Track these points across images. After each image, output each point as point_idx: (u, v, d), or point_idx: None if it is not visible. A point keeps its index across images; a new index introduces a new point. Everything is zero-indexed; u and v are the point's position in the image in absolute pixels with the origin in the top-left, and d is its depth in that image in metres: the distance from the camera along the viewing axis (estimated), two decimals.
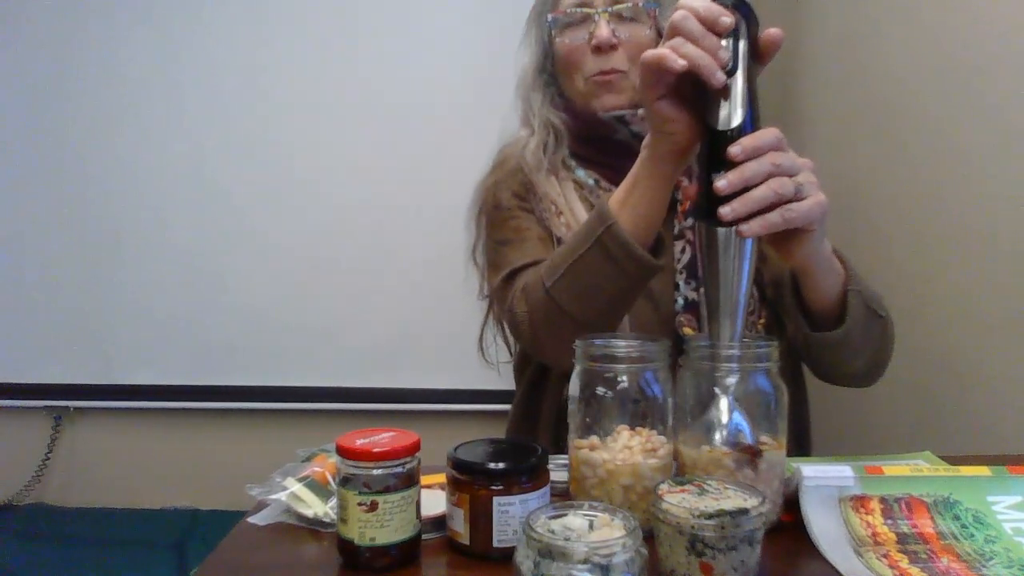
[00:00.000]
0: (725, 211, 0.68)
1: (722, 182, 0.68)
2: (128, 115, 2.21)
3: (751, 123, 0.70)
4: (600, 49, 0.97)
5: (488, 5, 2.10)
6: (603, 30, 0.96)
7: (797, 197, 0.70)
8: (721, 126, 0.70)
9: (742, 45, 0.70)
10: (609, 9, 0.96)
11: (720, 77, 0.68)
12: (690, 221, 1.00)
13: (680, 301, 0.98)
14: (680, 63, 0.67)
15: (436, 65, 2.16)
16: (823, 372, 0.97)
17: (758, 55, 0.71)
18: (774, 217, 0.69)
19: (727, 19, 0.68)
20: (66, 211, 2.23)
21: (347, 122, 2.19)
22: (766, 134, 0.69)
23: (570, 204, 1.01)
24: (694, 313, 0.98)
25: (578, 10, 0.97)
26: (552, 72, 1.06)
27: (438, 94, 2.14)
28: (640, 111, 0.99)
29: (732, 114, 0.70)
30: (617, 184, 0.99)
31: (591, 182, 1.04)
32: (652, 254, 0.82)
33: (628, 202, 0.82)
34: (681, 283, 0.99)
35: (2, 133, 2.23)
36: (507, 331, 1.11)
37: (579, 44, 0.98)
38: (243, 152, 2.20)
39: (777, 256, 0.82)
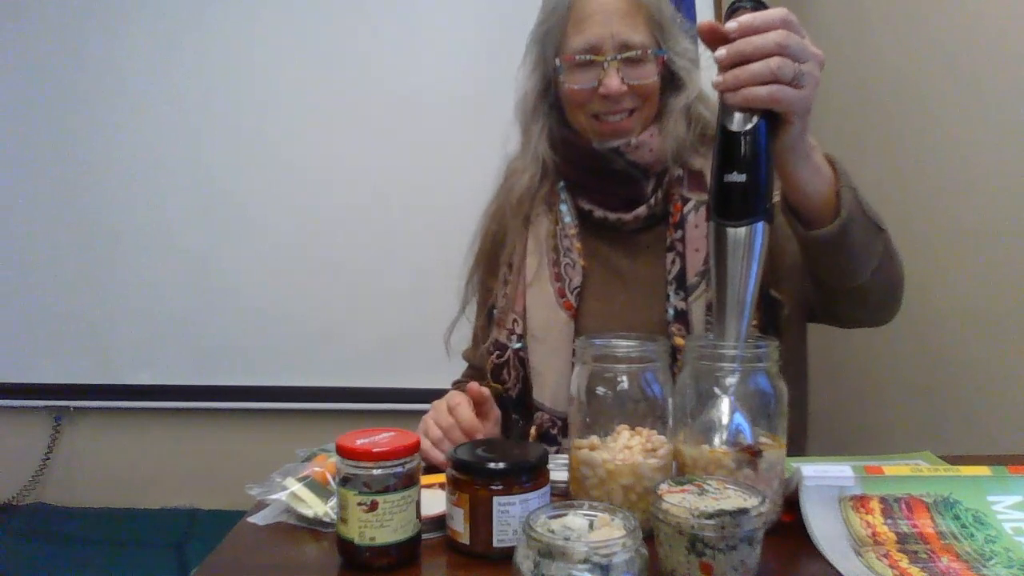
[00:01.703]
0: (716, 80, 0.68)
1: (721, 52, 0.68)
2: (128, 114, 2.20)
3: (765, 124, 0.70)
4: (608, 97, 0.98)
5: (490, 5, 2.10)
6: (613, 80, 0.96)
7: (795, 84, 0.69)
8: (736, 127, 0.70)
9: None
10: (619, 57, 0.97)
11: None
12: (680, 233, 1.01)
13: (670, 311, 0.99)
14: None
15: (438, 66, 2.16)
16: (829, 292, 0.91)
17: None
18: (760, 91, 0.68)
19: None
20: (66, 211, 2.22)
21: (348, 122, 2.18)
22: (771, 13, 0.69)
23: (523, 265, 1.07)
24: (683, 323, 0.98)
25: (587, 57, 0.97)
26: (553, 101, 1.07)
27: (440, 95, 2.14)
28: (635, 140, 1.00)
29: (747, 115, 0.70)
30: (612, 210, 1.05)
31: (568, 219, 1.07)
32: None
33: None
34: (671, 293, 0.99)
35: (2, 133, 2.23)
36: None
37: (587, 89, 0.99)
38: (243, 152, 2.20)
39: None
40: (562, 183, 1.08)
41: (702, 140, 1.04)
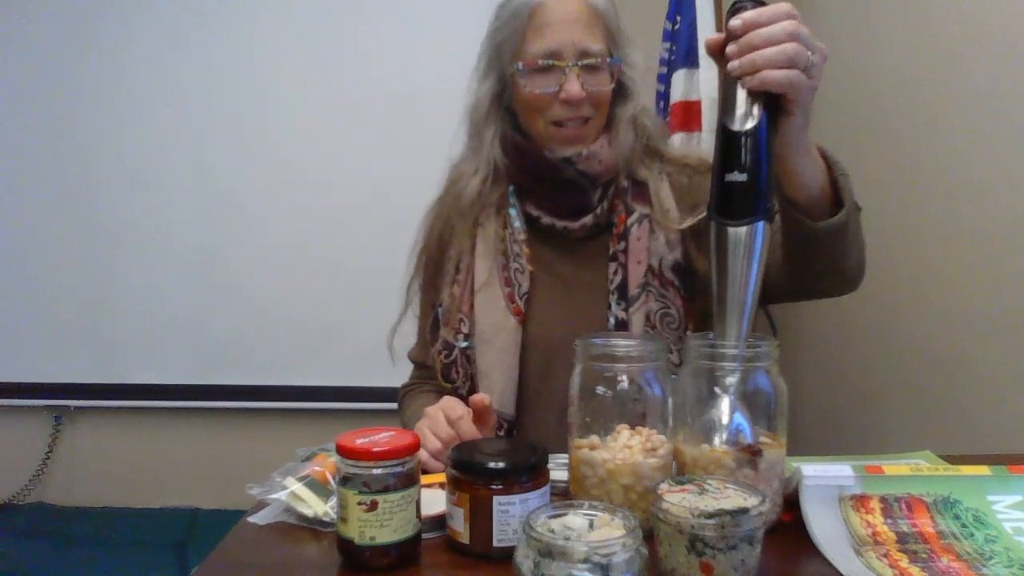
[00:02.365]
0: (733, 65, 0.69)
1: (731, 47, 0.70)
2: (129, 114, 2.21)
3: (766, 124, 0.70)
4: (569, 102, 0.99)
5: (490, 5, 2.10)
6: (574, 85, 0.98)
7: (806, 73, 0.70)
8: (736, 126, 0.70)
9: None
10: (580, 63, 0.98)
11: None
12: (623, 244, 1.03)
13: (611, 320, 1.01)
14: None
15: (438, 66, 2.15)
16: (816, 277, 0.91)
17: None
18: (778, 75, 0.69)
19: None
20: (67, 211, 2.23)
21: (348, 122, 2.19)
22: (778, 7, 0.70)
23: (477, 256, 1.08)
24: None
25: (548, 62, 0.98)
26: (508, 106, 1.08)
27: (440, 95, 2.12)
28: (586, 151, 1.01)
29: (748, 116, 0.70)
30: (560, 217, 1.06)
31: (517, 224, 1.08)
32: None
33: None
34: (612, 303, 1.01)
35: (4, 133, 2.23)
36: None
37: (547, 93, 1.00)
38: (244, 152, 2.20)
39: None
40: (511, 188, 1.09)
41: (647, 151, 1.07)
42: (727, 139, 0.71)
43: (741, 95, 0.71)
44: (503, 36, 1.03)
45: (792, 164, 0.78)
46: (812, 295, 1.00)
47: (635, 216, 1.03)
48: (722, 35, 0.72)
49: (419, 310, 1.18)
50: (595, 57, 0.99)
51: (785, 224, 0.85)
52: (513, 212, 1.08)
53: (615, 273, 1.02)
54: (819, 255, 0.86)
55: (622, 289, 1.01)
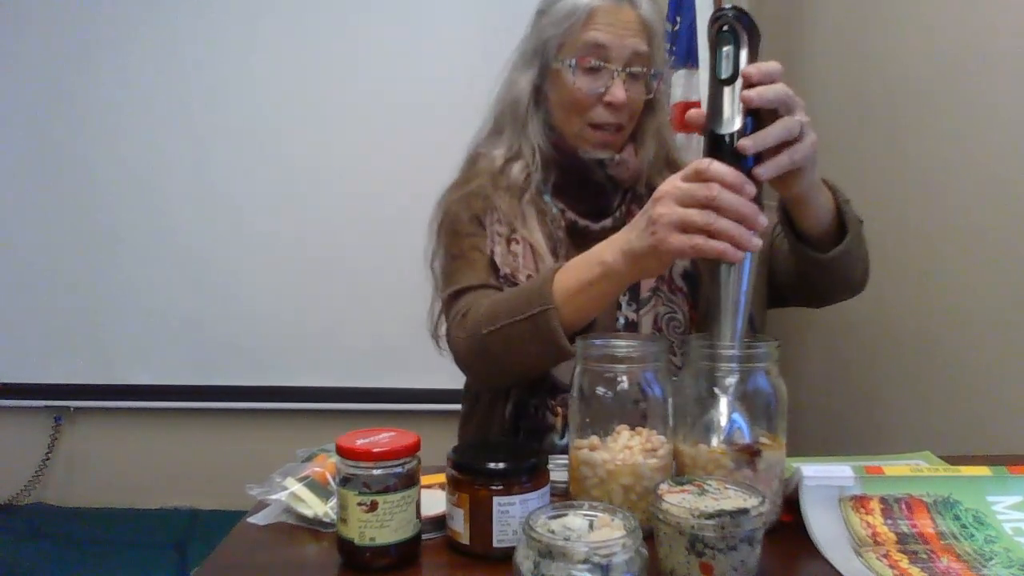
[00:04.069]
0: (746, 143, 0.70)
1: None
2: (128, 115, 2.21)
3: (752, 128, 0.71)
4: (612, 105, 1.01)
5: (490, 6, 2.11)
6: (620, 89, 1.00)
7: (799, 137, 0.73)
8: (724, 129, 0.72)
9: (743, 53, 0.73)
10: (627, 69, 1.01)
11: (756, 243, 0.71)
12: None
13: (621, 320, 1.03)
14: (740, 255, 0.71)
15: (437, 66, 2.16)
16: (826, 292, 1.00)
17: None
18: (783, 160, 0.72)
19: (751, 187, 0.71)
20: (67, 211, 2.23)
21: (348, 122, 2.19)
22: (776, 86, 0.72)
23: (529, 230, 1.05)
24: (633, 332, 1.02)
25: (599, 63, 1.01)
26: (545, 98, 1.08)
27: (439, 95, 2.14)
28: (617, 157, 1.04)
29: (734, 118, 0.72)
30: (582, 216, 1.06)
31: (555, 210, 1.08)
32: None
33: (579, 297, 0.85)
34: (623, 303, 1.03)
35: (3, 133, 2.23)
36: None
37: (592, 95, 1.02)
38: (244, 153, 2.20)
39: (777, 189, 0.84)
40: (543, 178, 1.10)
41: (666, 162, 1.10)
42: (715, 142, 0.73)
43: (727, 99, 0.72)
44: (553, 31, 1.03)
45: (811, 203, 0.85)
46: (823, 305, 1.05)
47: (680, 267, 1.06)
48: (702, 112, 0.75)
49: (458, 252, 1.07)
50: (641, 67, 1.02)
51: (796, 255, 0.91)
52: (548, 199, 1.09)
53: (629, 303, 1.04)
54: (829, 277, 0.93)
55: (634, 291, 1.03)
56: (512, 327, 0.88)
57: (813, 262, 0.90)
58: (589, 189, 1.07)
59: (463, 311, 0.98)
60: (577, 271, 0.85)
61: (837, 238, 0.88)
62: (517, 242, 1.04)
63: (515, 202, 1.07)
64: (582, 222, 1.07)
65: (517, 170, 1.07)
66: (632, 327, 1.02)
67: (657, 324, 1.03)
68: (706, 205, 0.71)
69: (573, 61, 1.01)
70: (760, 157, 0.73)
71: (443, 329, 1.09)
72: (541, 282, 0.88)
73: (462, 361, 0.99)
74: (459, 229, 1.08)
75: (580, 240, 1.06)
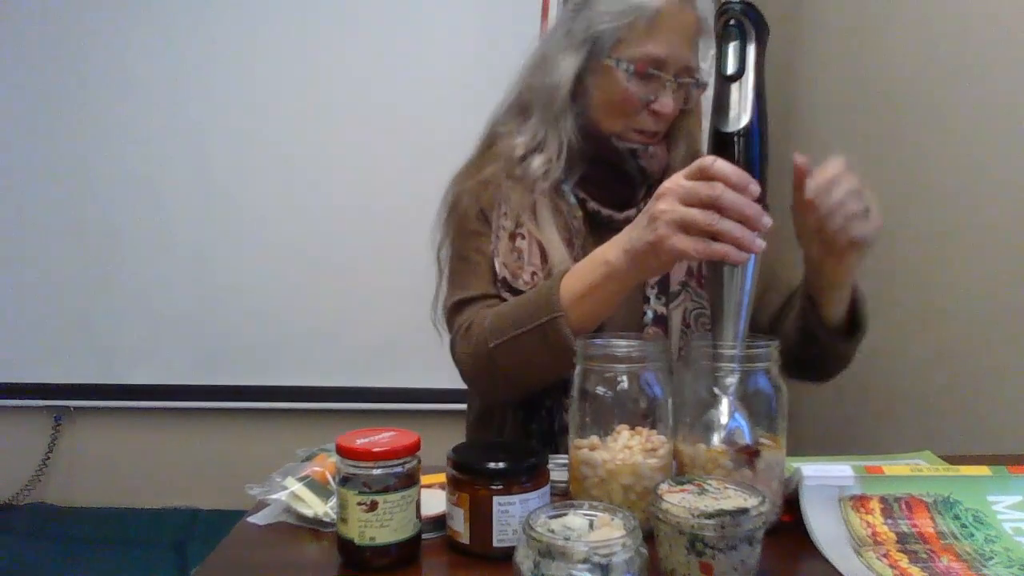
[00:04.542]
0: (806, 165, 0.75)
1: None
2: (128, 114, 2.21)
3: (758, 124, 0.70)
4: (658, 114, 1.00)
5: (490, 7, 2.11)
6: (669, 101, 0.99)
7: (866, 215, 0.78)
8: (730, 127, 0.71)
9: (751, 49, 0.71)
10: (679, 80, 1.00)
11: (760, 244, 0.71)
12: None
13: (649, 314, 1.01)
14: (743, 257, 0.71)
15: (437, 66, 2.16)
16: (814, 371, 1.00)
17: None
18: (859, 228, 0.78)
19: (755, 187, 0.71)
20: (66, 211, 2.22)
21: (349, 122, 2.19)
22: (835, 165, 0.77)
23: (539, 226, 1.02)
24: (663, 327, 1.01)
25: (656, 72, 0.98)
26: (585, 90, 1.04)
27: (439, 94, 2.14)
28: (651, 148, 1.03)
29: (740, 116, 0.70)
30: (605, 205, 1.04)
31: (574, 200, 1.05)
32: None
33: (586, 301, 0.84)
34: (652, 297, 1.02)
35: (2, 131, 2.22)
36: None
37: (642, 101, 1.00)
38: (244, 152, 2.20)
39: (829, 267, 0.86)
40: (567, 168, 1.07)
41: (691, 157, 1.08)
42: (719, 140, 0.72)
43: (734, 96, 0.71)
44: (611, 24, 0.98)
45: (845, 287, 0.89)
46: (796, 377, 1.00)
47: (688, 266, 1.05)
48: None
49: (464, 253, 1.06)
50: (692, 79, 1.01)
51: (808, 336, 0.93)
52: (566, 188, 1.06)
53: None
54: (834, 362, 0.98)
55: (663, 284, 1.02)
56: (520, 338, 0.87)
57: (828, 347, 0.93)
58: (618, 179, 1.05)
59: (467, 324, 0.96)
60: (583, 274, 0.84)
61: (847, 328, 0.93)
62: (523, 237, 1.02)
63: (527, 195, 1.04)
64: (605, 211, 1.05)
65: (538, 164, 1.04)
66: (661, 321, 1.00)
67: (686, 320, 1.01)
68: (709, 204, 0.70)
69: (632, 66, 0.97)
70: (766, 158, 0.73)
71: (439, 311, 1.09)
72: (548, 289, 0.86)
73: (468, 376, 0.98)
74: (466, 227, 1.06)
75: (602, 230, 1.03)
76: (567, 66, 1.02)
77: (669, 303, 1.01)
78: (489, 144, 1.12)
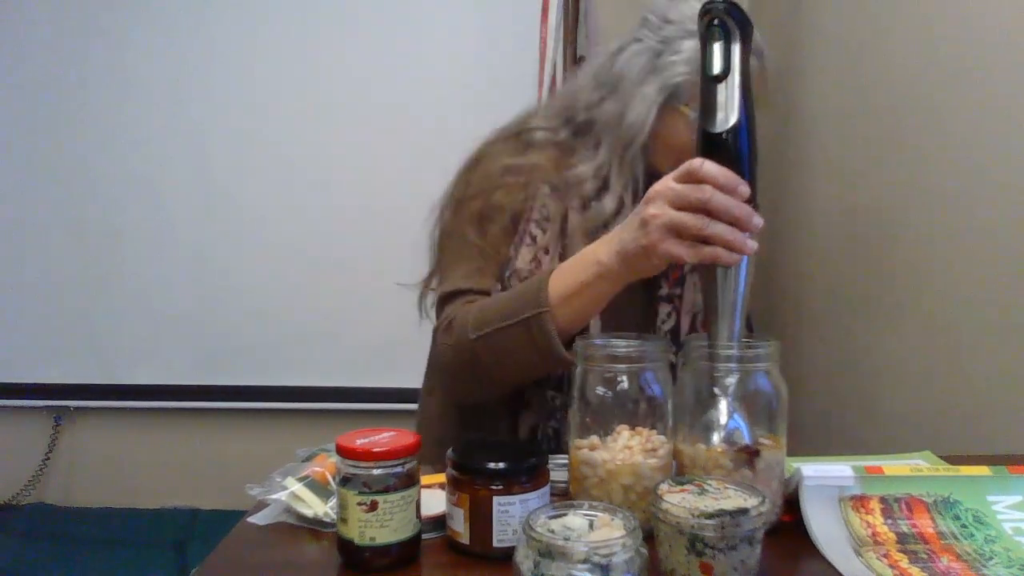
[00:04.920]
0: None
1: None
2: (128, 114, 2.21)
3: (746, 123, 0.70)
4: None
5: (490, 7, 2.11)
6: None
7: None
8: (717, 128, 0.70)
9: (736, 48, 0.71)
10: None
11: (751, 246, 0.70)
12: (679, 290, 1.04)
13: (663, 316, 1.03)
14: (735, 259, 0.70)
15: (437, 66, 2.16)
16: None
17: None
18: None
19: (744, 189, 0.70)
20: (66, 211, 2.22)
21: (349, 122, 2.19)
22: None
23: (570, 246, 0.97)
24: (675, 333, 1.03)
25: None
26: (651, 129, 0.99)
27: (439, 94, 2.14)
28: None
29: (728, 116, 0.70)
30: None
31: (609, 209, 0.99)
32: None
33: (574, 300, 0.83)
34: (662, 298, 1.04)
35: (2, 131, 2.22)
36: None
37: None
38: (244, 152, 2.20)
39: None
40: None
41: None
42: (708, 141, 0.71)
43: (721, 96, 0.71)
44: (693, 77, 0.92)
45: None
46: None
47: (688, 266, 1.04)
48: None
49: (477, 242, 1.01)
50: None
51: None
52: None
53: (668, 315, 1.04)
54: None
55: (674, 334, 1.03)
56: (504, 331, 0.85)
57: None
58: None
59: (451, 316, 0.93)
60: (572, 272, 0.83)
61: None
62: (546, 252, 0.98)
63: (563, 214, 0.99)
64: None
65: (609, 205, 0.98)
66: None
67: (694, 326, 1.03)
68: (699, 208, 0.70)
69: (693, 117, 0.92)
70: (755, 157, 0.72)
71: (430, 298, 1.06)
72: (536, 285, 0.85)
73: (447, 370, 0.95)
74: (492, 216, 1.00)
75: None
76: (646, 107, 0.97)
77: (679, 350, 1.00)
78: (522, 130, 1.06)
